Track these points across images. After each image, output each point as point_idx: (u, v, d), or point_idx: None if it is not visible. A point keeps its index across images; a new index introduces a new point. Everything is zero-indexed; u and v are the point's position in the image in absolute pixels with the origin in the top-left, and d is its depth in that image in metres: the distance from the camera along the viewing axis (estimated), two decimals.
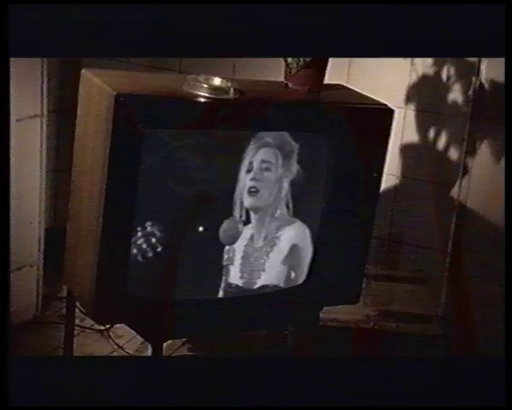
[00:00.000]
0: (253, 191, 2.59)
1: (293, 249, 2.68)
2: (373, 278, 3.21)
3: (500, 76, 3.16)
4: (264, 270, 2.64)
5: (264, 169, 2.57)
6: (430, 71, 3.30)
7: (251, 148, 2.54)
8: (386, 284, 3.22)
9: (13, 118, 2.91)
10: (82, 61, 3.03)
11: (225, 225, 2.56)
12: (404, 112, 3.35)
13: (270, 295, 2.58)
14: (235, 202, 2.55)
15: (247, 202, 2.57)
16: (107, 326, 3.14)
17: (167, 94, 2.37)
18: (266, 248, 2.65)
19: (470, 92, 3.27)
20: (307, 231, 2.64)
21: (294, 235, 2.67)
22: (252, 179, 2.57)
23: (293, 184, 2.57)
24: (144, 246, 2.43)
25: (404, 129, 3.37)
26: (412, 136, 3.38)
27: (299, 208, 2.62)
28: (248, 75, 3.23)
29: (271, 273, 2.62)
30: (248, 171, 2.55)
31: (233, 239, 2.59)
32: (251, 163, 2.54)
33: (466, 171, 3.33)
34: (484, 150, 3.28)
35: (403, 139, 3.38)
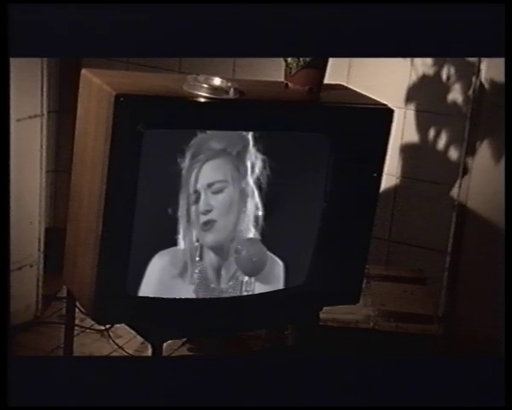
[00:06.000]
0: (207, 226, 2.32)
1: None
2: (373, 278, 3.21)
3: (500, 76, 3.16)
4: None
5: (215, 192, 2.34)
6: (430, 71, 3.30)
7: (191, 164, 2.27)
8: (386, 284, 3.21)
9: (13, 118, 2.91)
10: (82, 61, 3.03)
11: (249, 248, 2.34)
12: (404, 112, 3.35)
13: (270, 295, 2.58)
14: (184, 234, 2.31)
15: (205, 240, 2.36)
16: (107, 326, 3.14)
17: (167, 94, 2.37)
18: (233, 290, 2.41)
19: (470, 92, 3.27)
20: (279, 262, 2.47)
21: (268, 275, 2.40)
22: (203, 213, 2.32)
23: (260, 189, 2.41)
24: None
25: (404, 129, 3.37)
26: (412, 136, 3.38)
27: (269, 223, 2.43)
28: (248, 75, 3.23)
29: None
30: (195, 201, 2.33)
31: (260, 267, 2.38)
32: (195, 192, 2.32)
33: (466, 171, 3.33)
34: (484, 150, 3.28)
35: (403, 139, 3.38)
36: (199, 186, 2.34)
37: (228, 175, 2.37)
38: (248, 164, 2.41)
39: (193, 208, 2.34)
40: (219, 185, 2.36)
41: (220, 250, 2.43)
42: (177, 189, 2.36)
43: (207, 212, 2.34)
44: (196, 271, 2.43)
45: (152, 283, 2.39)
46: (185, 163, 2.32)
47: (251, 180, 2.43)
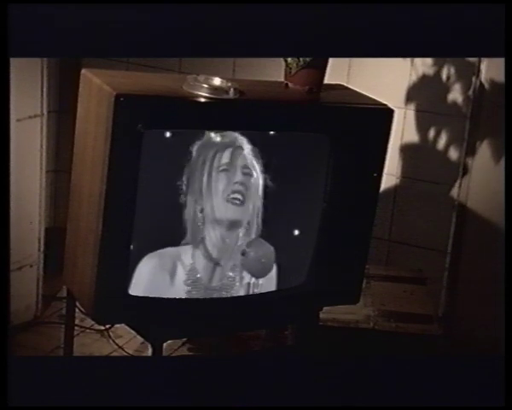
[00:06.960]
0: (237, 202, 2.32)
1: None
2: (373, 278, 3.21)
3: (500, 76, 3.16)
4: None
5: (247, 174, 2.38)
6: (430, 71, 3.30)
7: (221, 143, 2.32)
8: (386, 284, 3.22)
9: (13, 118, 2.91)
10: (82, 61, 3.03)
11: (257, 249, 2.32)
12: (404, 112, 3.35)
13: (270, 295, 2.58)
14: (193, 218, 2.31)
15: (227, 212, 2.35)
16: (107, 326, 3.14)
17: (167, 94, 2.37)
18: (227, 289, 2.40)
19: (470, 92, 3.27)
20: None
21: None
22: (237, 183, 2.33)
23: (264, 189, 2.43)
24: None
25: (404, 129, 3.37)
26: (412, 136, 3.38)
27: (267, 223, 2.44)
28: (248, 75, 3.23)
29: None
30: (224, 170, 2.34)
31: (268, 268, 2.37)
32: (231, 163, 2.34)
33: (466, 171, 3.33)
34: (484, 150, 3.28)
35: (403, 139, 3.39)
36: (236, 163, 2.35)
37: (255, 167, 2.40)
38: (261, 163, 2.43)
39: (223, 175, 2.33)
40: (250, 171, 2.38)
41: (230, 234, 2.41)
42: (181, 189, 2.37)
43: (242, 186, 2.34)
44: (189, 270, 2.43)
45: (143, 283, 2.40)
46: (196, 153, 2.33)
47: (259, 180, 2.44)
